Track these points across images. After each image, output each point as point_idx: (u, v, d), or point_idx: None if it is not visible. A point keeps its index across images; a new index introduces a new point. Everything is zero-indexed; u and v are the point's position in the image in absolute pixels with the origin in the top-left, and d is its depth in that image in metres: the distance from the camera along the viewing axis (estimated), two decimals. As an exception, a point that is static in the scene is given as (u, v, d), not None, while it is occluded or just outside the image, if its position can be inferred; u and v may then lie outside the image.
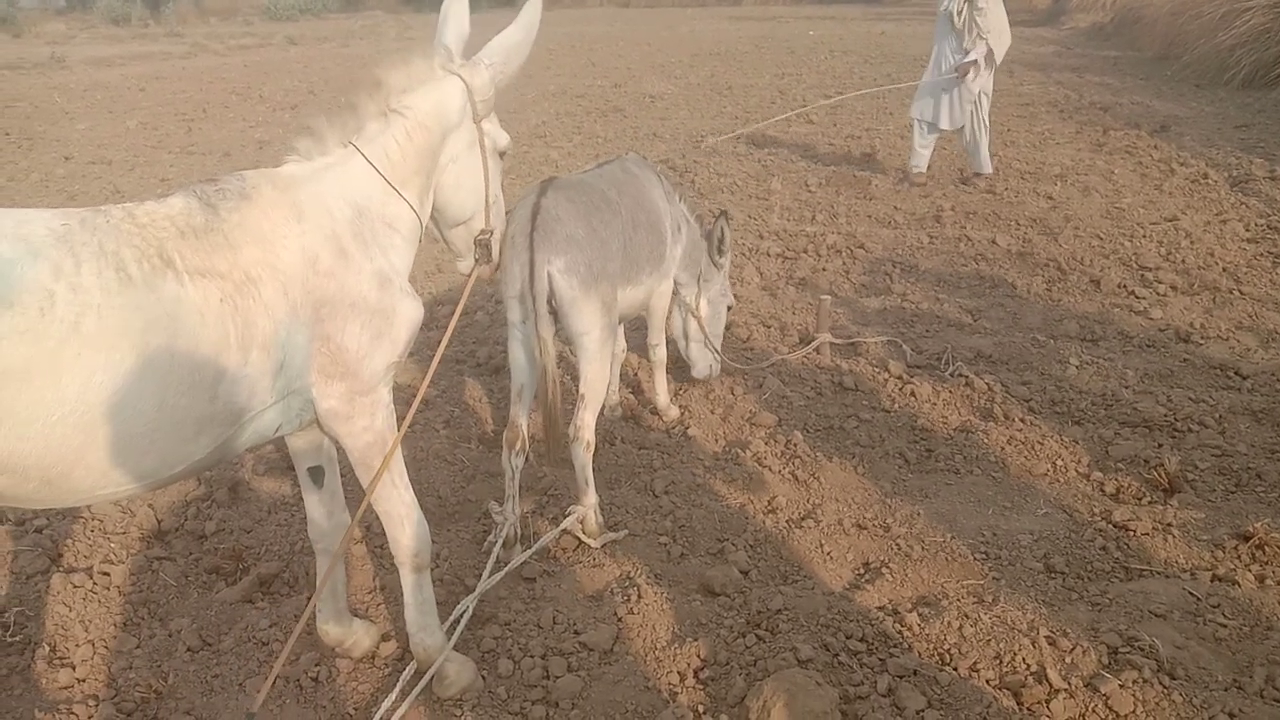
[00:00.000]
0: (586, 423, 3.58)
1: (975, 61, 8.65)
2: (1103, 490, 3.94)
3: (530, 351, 3.55)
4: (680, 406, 4.74)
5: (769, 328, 5.78)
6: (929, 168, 9.38)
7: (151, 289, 1.98)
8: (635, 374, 5.18)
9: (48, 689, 2.95)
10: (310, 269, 2.29)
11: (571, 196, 3.49)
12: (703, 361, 4.68)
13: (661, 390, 4.61)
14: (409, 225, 2.60)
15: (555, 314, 3.44)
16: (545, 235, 3.35)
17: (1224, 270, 6.48)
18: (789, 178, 9.61)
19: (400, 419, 2.67)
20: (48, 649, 3.10)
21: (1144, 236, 7.31)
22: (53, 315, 1.83)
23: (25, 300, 1.80)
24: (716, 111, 13.99)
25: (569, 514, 3.63)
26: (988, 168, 9.18)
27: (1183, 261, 6.69)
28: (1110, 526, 3.65)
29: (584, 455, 3.59)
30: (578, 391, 3.61)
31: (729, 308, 4.72)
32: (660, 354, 4.51)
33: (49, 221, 1.94)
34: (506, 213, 3.19)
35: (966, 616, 3.13)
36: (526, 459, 3.63)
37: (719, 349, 4.73)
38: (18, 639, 3.17)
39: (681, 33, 28.89)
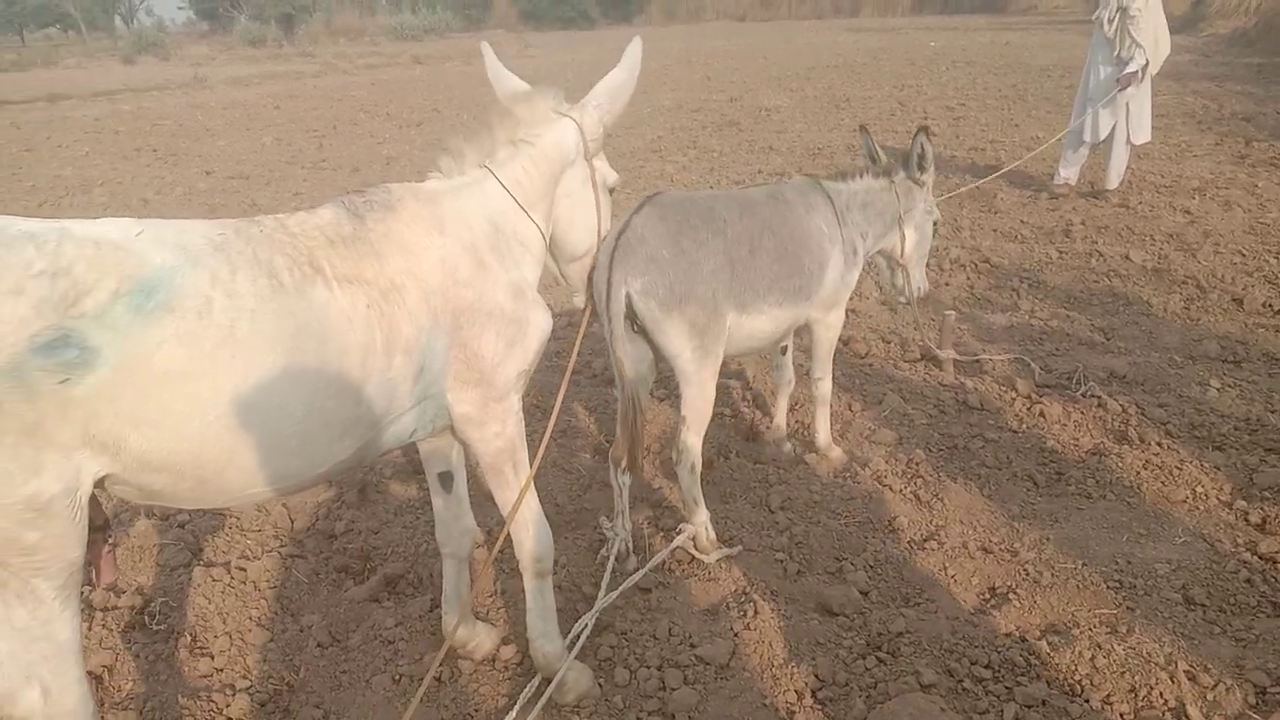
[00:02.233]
0: (690, 444, 3.54)
1: (1135, 73, 8.30)
2: (1247, 520, 3.73)
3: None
4: (796, 421, 4.69)
5: (888, 343, 5.67)
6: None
7: (302, 295, 2.08)
8: (755, 387, 5.15)
9: (189, 677, 3.10)
10: (451, 278, 2.38)
11: (665, 215, 3.41)
12: (916, 284, 4.35)
13: (823, 429, 4.37)
14: (537, 243, 2.72)
15: (642, 334, 3.43)
16: (625, 255, 3.30)
17: (1383, 288, 6.07)
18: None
19: (532, 431, 2.73)
20: (189, 639, 3.26)
21: (1292, 253, 6.91)
22: (210, 320, 1.93)
23: (185, 305, 1.90)
24: (834, 124, 13.85)
25: (680, 531, 3.62)
26: (1114, 184, 8.83)
27: (1336, 280, 6.30)
28: (1256, 559, 3.45)
29: (689, 477, 3.57)
30: (679, 413, 3.59)
31: (935, 223, 4.36)
32: (823, 389, 4.28)
33: (206, 231, 2.06)
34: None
35: (1099, 647, 3.00)
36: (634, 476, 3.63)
37: (924, 272, 4.41)
38: (162, 628, 3.34)
39: (798, 45, 28.73)
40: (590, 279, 3.13)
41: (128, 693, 3.03)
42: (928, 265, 4.54)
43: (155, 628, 3.33)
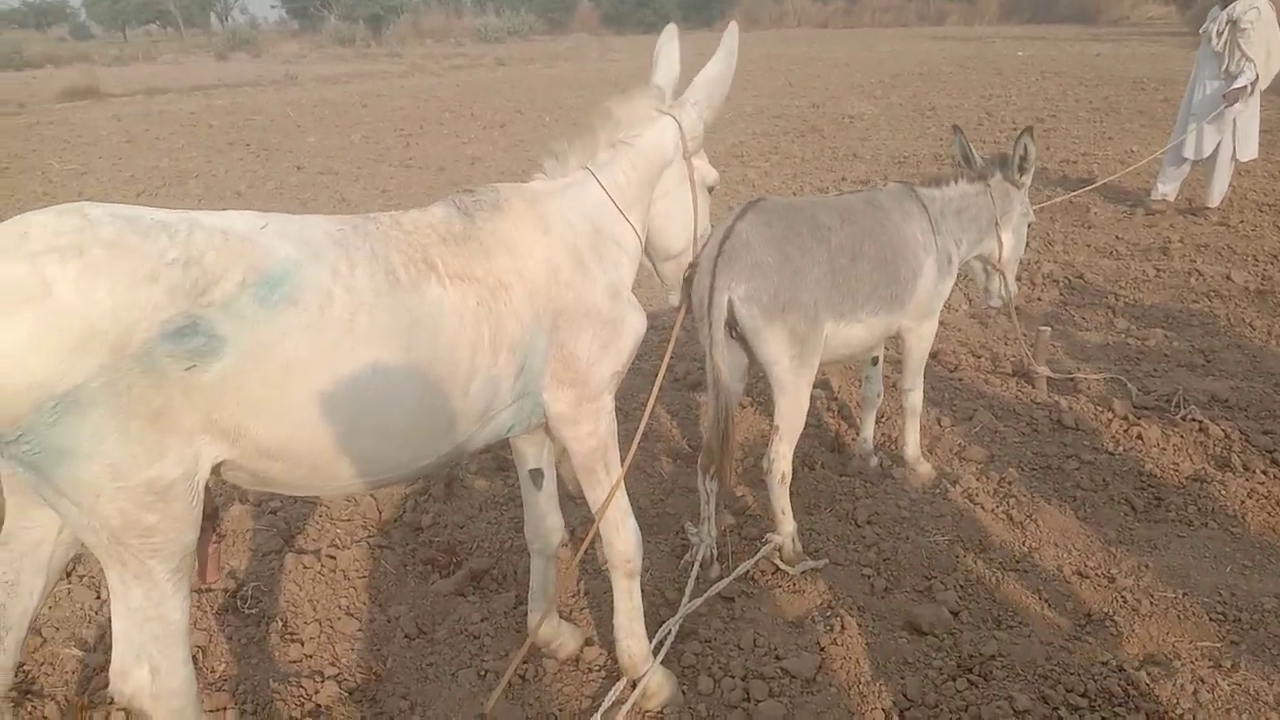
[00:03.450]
0: (781, 454, 3.51)
1: (1244, 88, 8.02)
2: (1360, 556, 3.56)
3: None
4: (882, 434, 4.61)
5: (979, 357, 5.55)
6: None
7: (417, 291, 2.12)
8: (841, 398, 5.09)
9: (280, 661, 3.16)
10: (553, 278, 2.39)
11: (770, 220, 3.38)
12: (1011, 286, 4.29)
13: (912, 442, 4.27)
14: (633, 246, 2.72)
15: (741, 341, 3.40)
16: (730, 260, 3.27)
17: None
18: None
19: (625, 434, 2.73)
20: (280, 624, 3.33)
21: None
22: (331, 313, 1.97)
23: (308, 298, 1.94)
24: (920, 132, 13.64)
25: (765, 541, 3.59)
26: (1216, 202, 8.53)
27: None
28: (1372, 597, 3.29)
29: (778, 488, 3.53)
30: (772, 423, 3.55)
31: (1030, 225, 4.28)
32: (913, 400, 4.19)
33: (327, 227, 2.10)
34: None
35: (1202, 681, 2.89)
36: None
37: (1016, 276, 4.35)
38: (254, 612, 3.42)
39: (881, 52, 28.41)
40: (690, 282, 3.12)
41: (221, 674, 3.10)
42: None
43: (247, 611, 3.40)
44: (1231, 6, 8.05)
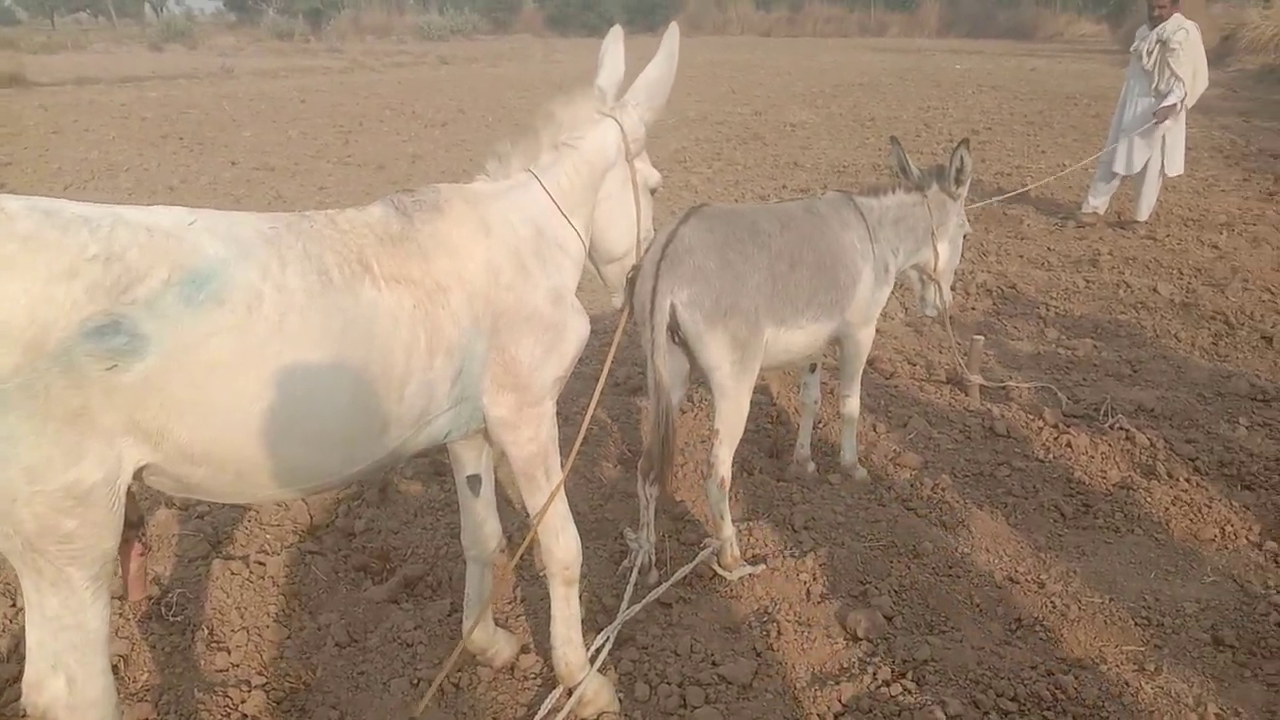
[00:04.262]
0: (721, 459, 3.51)
1: (1174, 105, 8.27)
2: (1277, 562, 3.67)
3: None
4: (819, 439, 4.65)
5: (914, 365, 5.63)
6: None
7: (351, 292, 2.07)
8: (779, 404, 5.12)
9: (206, 670, 3.07)
10: (494, 281, 2.36)
11: (713, 226, 3.40)
12: (947, 298, 4.35)
13: (849, 447, 4.31)
14: (576, 249, 2.70)
15: (683, 346, 3.41)
16: (672, 265, 3.27)
17: None
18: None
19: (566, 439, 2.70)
20: (206, 632, 3.24)
21: (1323, 293, 6.84)
22: (260, 313, 1.91)
23: (236, 298, 1.89)
24: (859, 142, 13.83)
25: (704, 547, 3.59)
26: (1144, 216, 8.78)
27: (1366, 322, 6.23)
28: (1287, 602, 3.40)
29: (717, 492, 3.53)
30: (712, 428, 3.55)
31: (965, 236, 4.32)
32: (850, 407, 4.23)
33: (258, 224, 2.04)
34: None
35: (1127, 685, 2.96)
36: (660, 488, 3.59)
37: (951, 285, 4.40)
38: (179, 619, 3.32)
39: (823, 62, 28.75)
40: (632, 286, 3.10)
41: (143, 684, 3.01)
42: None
43: (172, 619, 3.30)
44: (1161, 27, 8.30)
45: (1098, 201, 9.00)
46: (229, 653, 3.13)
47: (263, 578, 3.51)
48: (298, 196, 10.34)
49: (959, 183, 4.08)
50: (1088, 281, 7.27)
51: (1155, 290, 6.95)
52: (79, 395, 1.75)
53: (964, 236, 4.29)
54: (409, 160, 12.61)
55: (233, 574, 3.50)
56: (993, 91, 20.08)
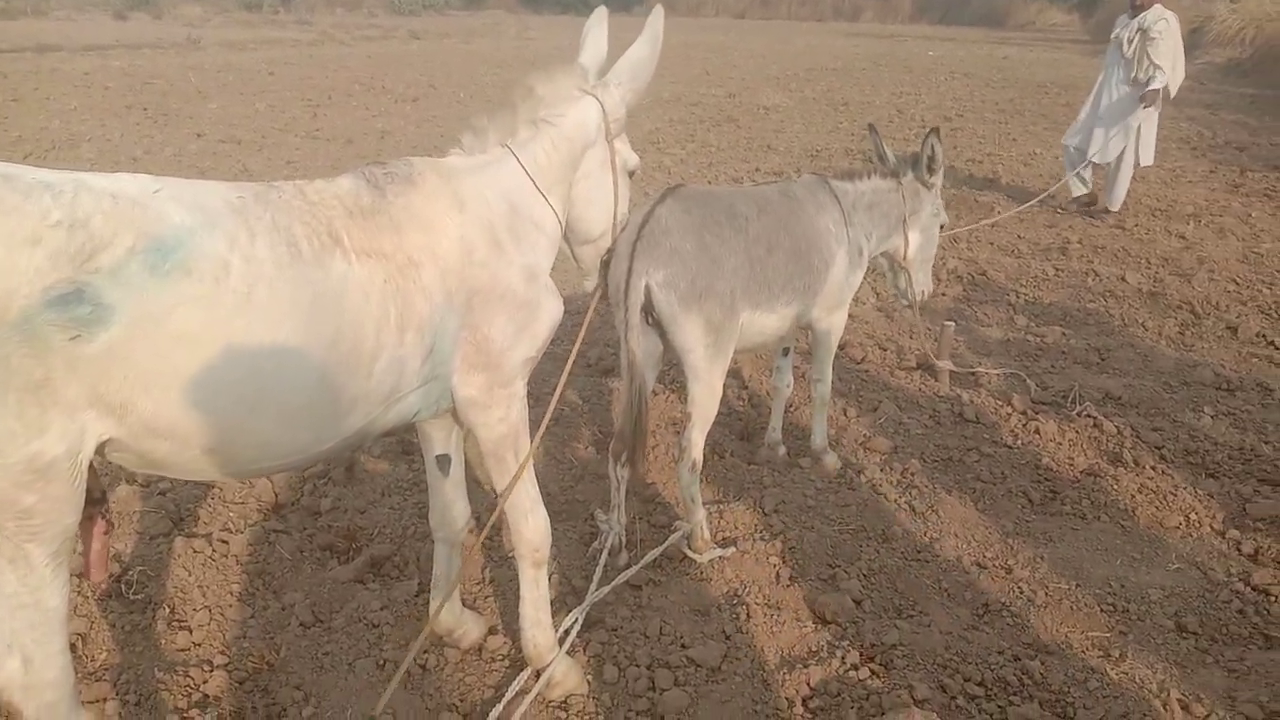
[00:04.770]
0: (694, 441, 3.49)
1: (1157, 90, 8.33)
2: (1239, 550, 3.72)
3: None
4: (791, 423, 4.64)
5: (884, 350, 5.64)
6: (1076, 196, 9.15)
7: (320, 265, 2.02)
8: (751, 387, 5.11)
9: (166, 650, 3.02)
10: (467, 257, 2.31)
11: (689, 208, 3.37)
12: (918, 288, 4.33)
13: (819, 431, 4.27)
14: (552, 228, 2.65)
15: (657, 328, 3.38)
16: (648, 246, 3.24)
17: (1374, 327, 6.10)
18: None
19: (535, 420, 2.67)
20: (168, 611, 3.18)
21: (1285, 285, 6.94)
22: (227, 285, 1.86)
23: (202, 268, 1.83)
24: (832, 127, 13.83)
25: (675, 529, 3.58)
26: (1116, 205, 8.85)
27: (1328, 314, 6.33)
28: (1248, 589, 3.44)
29: (689, 475, 3.52)
30: (685, 410, 3.53)
31: (941, 226, 4.32)
32: (821, 391, 4.20)
33: (226, 194, 1.99)
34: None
35: (1092, 670, 2.98)
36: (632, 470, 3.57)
37: (930, 274, 4.39)
38: (139, 598, 3.25)
39: (797, 46, 28.71)
40: (607, 267, 3.07)
41: (102, 663, 2.95)
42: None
43: (133, 597, 3.24)
44: (1142, 16, 8.38)
45: (1075, 187, 9.04)
46: (190, 632, 3.08)
47: (226, 556, 3.46)
48: (264, 170, 10.17)
49: (931, 171, 4.07)
50: (1057, 269, 7.32)
51: (1123, 279, 7.02)
52: (41, 366, 1.70)
53: (940, 226, 4.29)
54: (378, 136, 12.45)
55: (195, 552, 3.44)
56: (965, 79, 20.17)
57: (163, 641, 3.05)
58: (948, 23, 41.80)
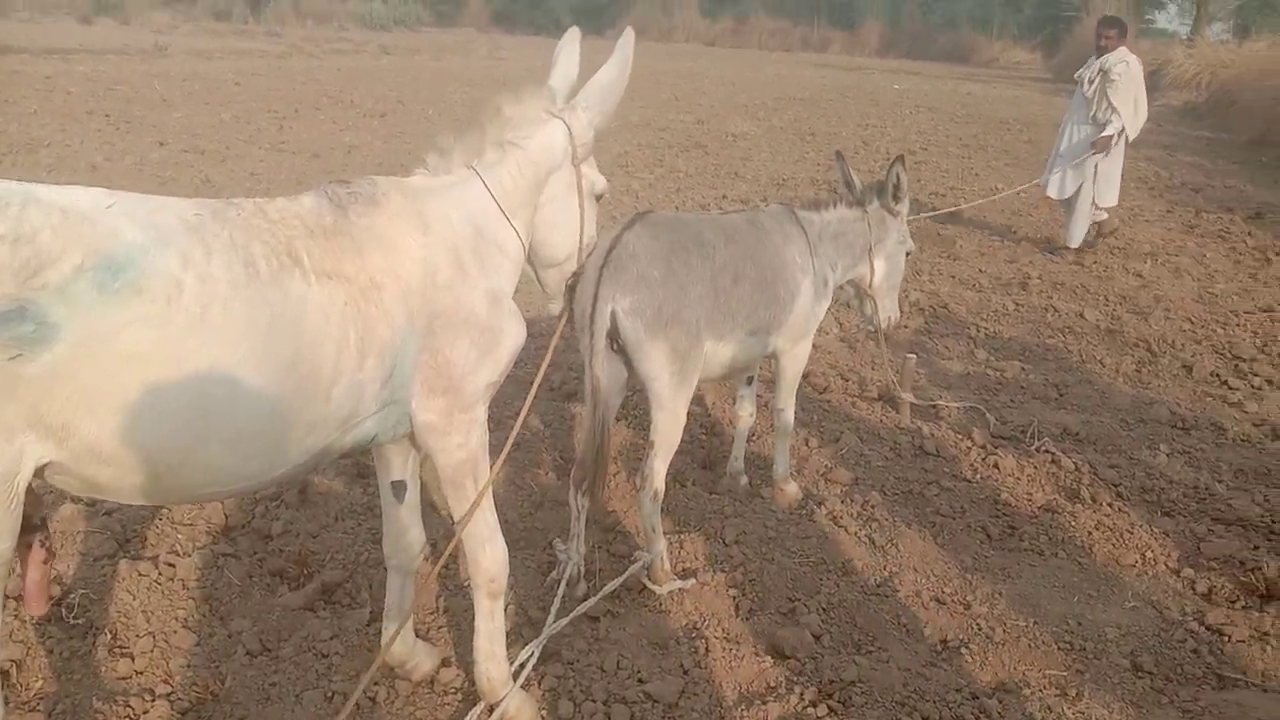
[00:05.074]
0: (656, 470, 3.46)
1: (1110, 137, 8.46)
2: (1194, 589, 3.75)
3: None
4: (753, 453, 4.62)
5: (847, 380, 5.65)
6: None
7: (279, 286, 1.97)
8: (714, 415, 5.09)
9: (106, 678, 2.92)
10: (430, 280, 2.27)
11: (658, 234, 3.36)
12: (882, 316, 4.30)
13: (781, 460, 4.22)
14: (516, 252, 2.62)
15: (622, 355, 3.36)
16: (615, 271, 3.22)
17: (1324, 370, 6.21)
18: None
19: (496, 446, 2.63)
20: (109, 636, 3.08)
21: (1239, 325, 7.06)
22: (179, 304, 1.81)
23: (154, 287, 1.78)
24: (799, 156, 13.94)
25: (635, 560, 3.54)
26: (1074, 243, 8.96)
27: (1279, 355, 6.44)
28: (1203, 629, 3.46)
29: (650, 505, 3.48)
30: (648, 439, 3.50)
31: (908, 254, 4.30)
32: (785, 420, 4.18)
33: (182, 210, 1.93)
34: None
35: (1049, 709, 2.99)
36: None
37: (896, 299, 4.37)
38: (80, 622, 3.15)
39: (766, 75, 28.99)
40: (573, 291, 3.03)
41: (37, 692, 2.84)
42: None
43: (73, 621, 3.13)
44: (1105, 58, 8.53)
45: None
46: (132, 659, 2.98)
47: (172, 580, 3.36)
48: (227, 182, 10.04)
49: (896, 198, 4.09)
50: (1017, 304, 7.40)
51: (1082, 316, 7.10)
52: None
53: (906, 254, 4.30)
54: (345, 150, 12.35)
55: (140, 575, 3.34)
56: (929, 113, 20.44)
57: (103, 669, 2.94)
58: (913, 57, 42.42)
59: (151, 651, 3.01)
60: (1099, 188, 8.75)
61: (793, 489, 4.26)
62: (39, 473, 1.83)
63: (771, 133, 16.28)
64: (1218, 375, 6.04)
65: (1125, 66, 8.42)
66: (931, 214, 9.04)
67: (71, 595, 3.23)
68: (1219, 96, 22.06)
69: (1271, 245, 9.59)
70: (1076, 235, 8.94)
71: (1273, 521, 4.21)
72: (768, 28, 47.23)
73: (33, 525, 1.93)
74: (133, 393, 1.79)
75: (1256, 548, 4.03)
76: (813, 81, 27.38)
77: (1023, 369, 6.03)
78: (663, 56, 33.09)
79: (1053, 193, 8.92)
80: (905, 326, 6.76)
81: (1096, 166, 8.67)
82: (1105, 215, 9.05)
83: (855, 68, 34.72)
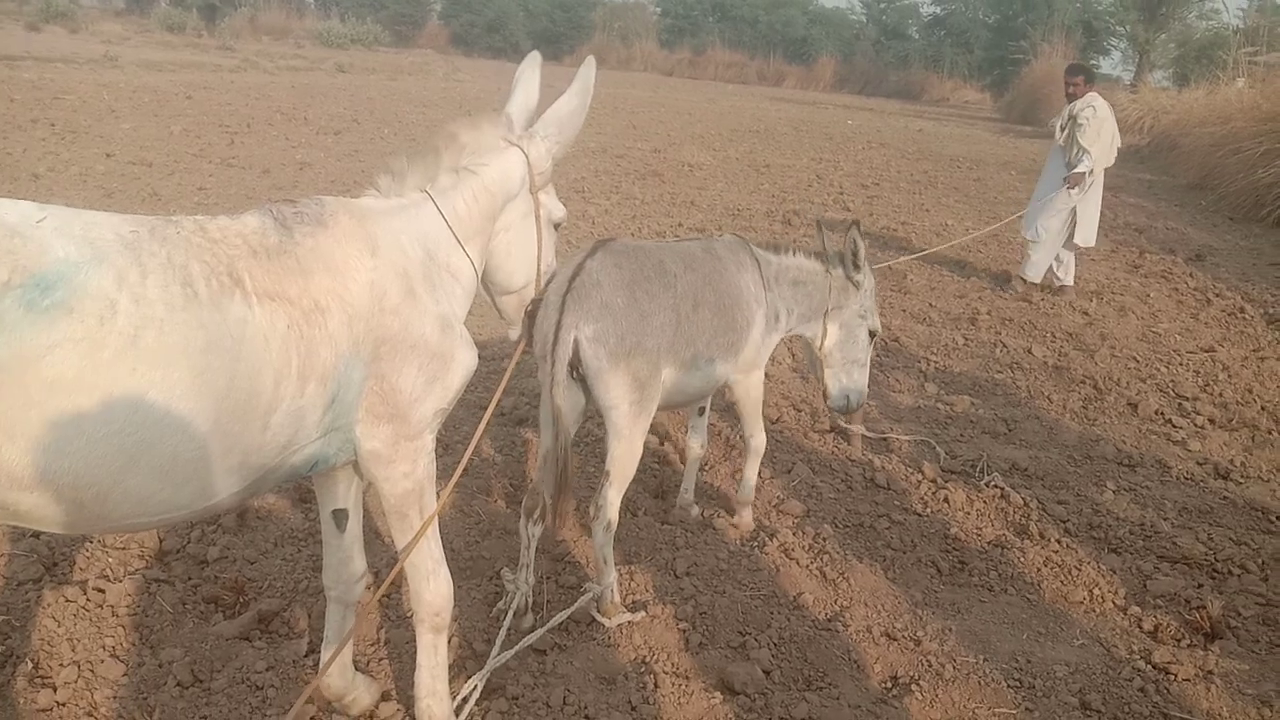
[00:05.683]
0: (611, 500, 3.41)
1: (1082, 174, 8.63)
2: (1140, 626, 3.77)
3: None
4: (704, 482, 4.58)
5: (799, 411, 5.65)
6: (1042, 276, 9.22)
7: (217, 308, 1.89)
8: (665, 445, 5.04)
9: (25, 710, 2.78)
10: (378, 304, 2.21)
11: (620, 262, 3.34)
12: (835, 390, 4.16)
13: (749, 478, 4.20)
14: (468, 279, 2.59)
15: (582, 383, 3.32)
16: (579, 299, 3.20)
17: (1263, 409, 6.34)
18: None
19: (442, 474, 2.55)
20: (30, 665, 2.94)
21: (1181, 364, 7.20)
22: (112, 325, 1.72)
23: (85, 307, 1.70)
24: (754, 188, 14.03)
25: (585, 591, 3.47)
26: (1032, 276, 9.08)
27: (1220, 395, 6.57)
28: (1149, 667, 3.47)
29: (603, 535, 3.43)
30: (604, 468, 3.46)
31: (873, 333, 4.20)
32: (756, 443, 4.15)
33: (118, 227, 1.85)
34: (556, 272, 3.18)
35: (998, 749, 2.96)
36: (545, 528, 3.47)
37: (863, 380, 4.23)
38: (0, 650, 3.00)
39: (722, 106, 29.25)
40: (533, 318, 2.99)
41: (-51, 724, 2.69)
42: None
43: (-8, 650, 2.99)
44: (1073, 104, 8.83)
45: (1066, 272, 9.17)
46: (55, 690, 2.84)
47: (101, 606, 3.22)
48: (175, 195, 9.83)
49: (856, 266, 4.05)
50: (966, 339, 7.48)
51: (1030, 352, 7.20)
52: None
53: (870, 333, 4.19)
54: (297, 167, 12.18)
55: (67, 600, 3.20)
56: (881, 148, 20.75)
57: (22, 700, 2.80)
58: (866, 94, 43.15)
59: (76, 681, 2.88)
60: (1078, 228, 8.93)
61: (748, 518, 4.23)
62: (-46, 499, 1.73)
63: (727, 163, 16.39)
64: (1162, 413, 6.14)
65: (1092, 110, 8.66)
66: (919, 254, 9.13)
67: (-9, 622, 3.08)
68: (1160, 141, 22.70)
69: (1211, 286, 9.85)
70: (1035, 267, 9.04)
71: (1216, 560, 4.27)
72: (724, 60, 47.73)
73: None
74: (58, 418, 1.69)
75: (1200, 586, 4.07)
76: (768, 114, 27.68)
77: (972, 403, 6.08)
78: (621, 84, 33.29)
79: (1028, 233, 9.08)
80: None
81: (1075, 208, 8.84)
82: (1070, 284, 9.18)
83: (809, 102, 35.21)
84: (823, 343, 4.13)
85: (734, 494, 4.29)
